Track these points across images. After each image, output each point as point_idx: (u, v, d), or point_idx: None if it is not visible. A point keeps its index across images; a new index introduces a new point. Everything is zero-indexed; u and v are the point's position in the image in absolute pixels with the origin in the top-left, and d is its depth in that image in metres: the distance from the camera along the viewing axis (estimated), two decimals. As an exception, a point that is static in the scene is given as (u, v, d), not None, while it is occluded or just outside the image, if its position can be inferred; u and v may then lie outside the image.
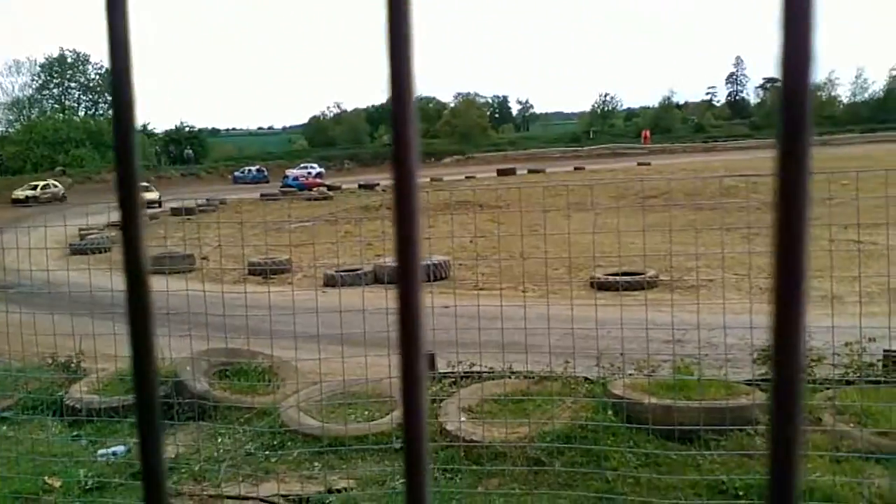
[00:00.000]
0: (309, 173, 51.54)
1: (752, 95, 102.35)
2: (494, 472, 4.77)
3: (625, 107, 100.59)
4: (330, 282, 15.02)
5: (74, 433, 6.15)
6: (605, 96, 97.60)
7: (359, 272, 15.46)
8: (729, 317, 7.61)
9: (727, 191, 27.88)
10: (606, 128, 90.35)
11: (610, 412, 5.34)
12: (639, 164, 54.67)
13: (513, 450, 4.94)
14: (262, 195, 40.25)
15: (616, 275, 13.34)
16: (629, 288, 12.77)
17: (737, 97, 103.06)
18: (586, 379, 6.17)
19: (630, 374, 6.05)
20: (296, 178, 48.95)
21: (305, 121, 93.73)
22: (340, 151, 73.93)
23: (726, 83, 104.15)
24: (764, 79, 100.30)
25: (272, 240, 21.19)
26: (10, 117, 66.31)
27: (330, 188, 44.69)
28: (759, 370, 6.38)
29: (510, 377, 6.25)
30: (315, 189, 43.51)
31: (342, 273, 15.40)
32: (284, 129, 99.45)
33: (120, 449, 5.56)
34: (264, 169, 57.33)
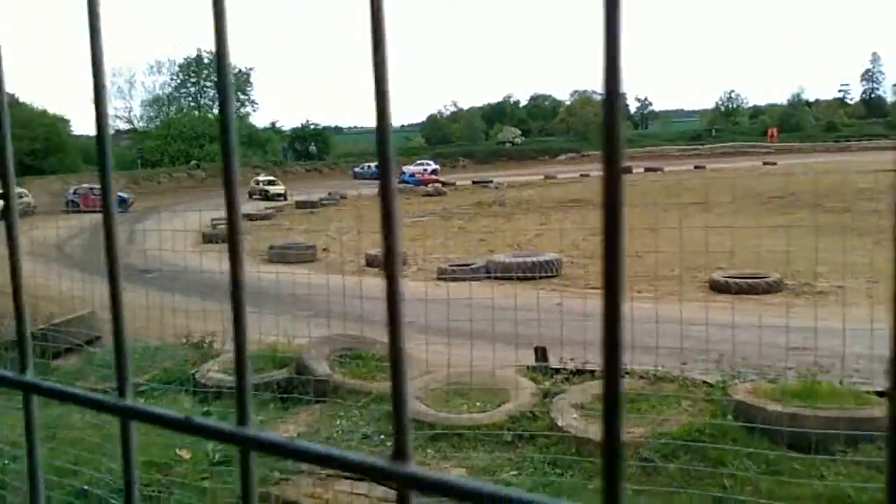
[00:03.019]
0: (425, 170, 52.35)
1: (888, 93, 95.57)
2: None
3: (750, 104, 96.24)
4: (443, 274, 15.26)
5: (205, 409, 6.56)
6: (730, 93, 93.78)
7: (472, 266, 15.62)
8: (858, 325, 7.19)
9: (860, 193, 26.22)
10: (730, 126, 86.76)
11: (730, 416, 5.19)
12: (764, 163, 52.26)
13: (626, 448, 4.87)
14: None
15: (736, 277, 12.83)
16: (749, 291, 12.28)
17: (872, 95, 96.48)
18: (705, 382, 6.01)
19: (752, 380, 5.84)
20: (412, 175, 49.84)
21: (423, 119, 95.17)
22: (456, 149, 74.65)
23: (861, 80, 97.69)
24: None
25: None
26: (151, 114, 70.99)
27: (445, 184, 45.26)
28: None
29: (625, 376, 6.17)
30: (430, 185, 44.15)
31: (455, 266, 15.62)
32: (402, 126, 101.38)
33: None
34: (382, 165, 58.69)
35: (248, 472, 0.54)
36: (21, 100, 52.75)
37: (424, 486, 0.43)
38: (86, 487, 4.54)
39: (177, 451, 5.37)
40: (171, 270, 11.96)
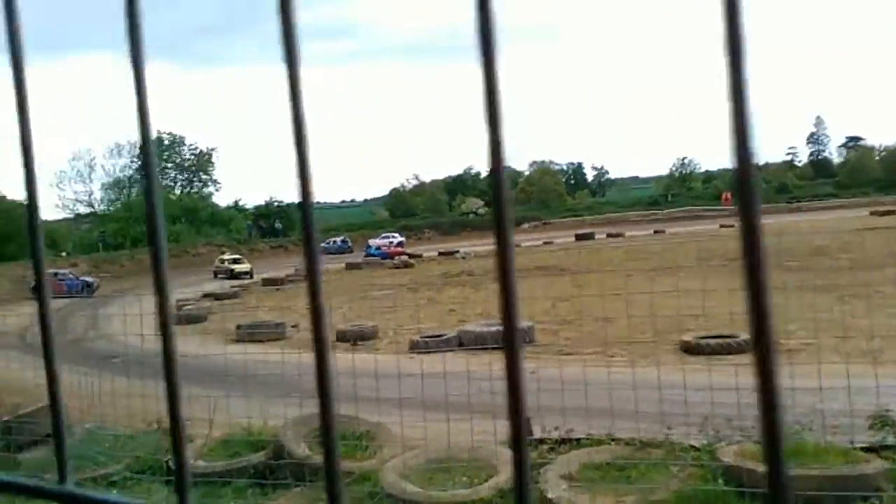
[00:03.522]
0: (391, 242, 52.51)
1: (834, 154, 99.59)
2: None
3: (703, 169, 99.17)
4: (415, 347, 15.12)
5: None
6: (683, 160, 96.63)
7: (444, 337, 15.52)
8: (831, 381, 7.26)
9: (818, 251, 26.93)
10: (685, 191, 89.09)
11: (720, 480, 5.14)
12: (721, 225, 53.46)
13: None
14: (347, 264, 41.32)
15: (708, 338, 12.94)
16: (722, 351, 12.37)
17: (819, 157, 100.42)
18: (691, 446, 5.97)
19: (738, 441, 5.82)
20: (378, 248, 49.95)
21: (386, 192, 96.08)
22: (420, 221, 75.24)
23: (807, 143, 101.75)
24: (847, 137, 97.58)
25: (358, 307, 21.61)
26: (112, 196, 70.48)
27: (411, 256, 45.35)
28: (875, 436, 6.05)
29: (610, 443, 6.11)
30: (397, 258, 44.21)
31: (427, 338, 15.49)
32: (366, 200, 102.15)
33: (226, 513, 5.67)
34: (348, 239, 58.82)
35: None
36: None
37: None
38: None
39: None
40: (136, 355, 11.70)
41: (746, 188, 0.45)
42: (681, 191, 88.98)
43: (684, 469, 5.41)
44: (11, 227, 49.60)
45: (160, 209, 0.61)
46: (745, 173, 0.45)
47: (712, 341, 12.70)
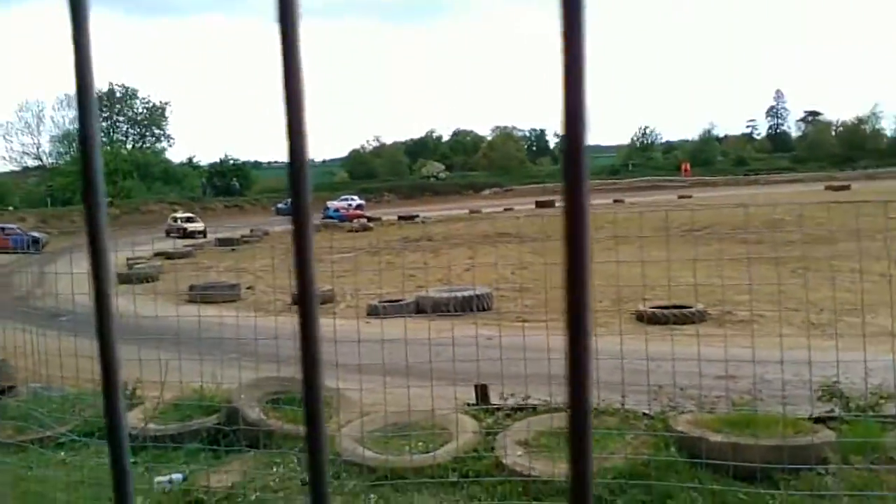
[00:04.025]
0: (350, 205, 52.10)
1: (793, 128, 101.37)
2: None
3: (664, 140, 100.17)
4: (373, 312, 15.05)
5: (132, 460, 6.18)
6: (644, 129, 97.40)
7: (401, 302, 15.48)
8: (781, 352, 7.41)
9: (773, 224, 27.46)
10: (645, 161, 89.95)
11: (673, 449, 5.21)
12: (680, 196, 54.22)
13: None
14: (303, 226, 40.70)
15: (664, 308, 13.12)
16: (677, 321, 12.56)
17: (777, 130, 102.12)
18: (645, 414, 6.04)
19: (690, 410, 5.90)
20: (337, 210, 49.52)
21: (346, 154, 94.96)
22: (380, 184, 74.69)
23: (767, 116, 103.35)
24: (805, 112, 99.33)
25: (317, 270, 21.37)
26: (61, 150, 68.39)
27: (370, 219, 45.05)
28: (822, 407, 6.19)
29: (567, 410, 6.14)
30: (355, 220, 43.90)
31: (385, 303, 15.42)
32: (325, 161, 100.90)
33: (177, 476, 5.57)
34: (306, 200, 58.18)
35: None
36: None
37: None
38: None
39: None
40: (84, 314, 11.41)
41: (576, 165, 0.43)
42: (642, 160, 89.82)
43: (638, 437, 5.47)
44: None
45: (98, 163, 0.53)
46: (575, 152, 0.44)
47: (668, 311, 12.88)
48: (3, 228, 36.81)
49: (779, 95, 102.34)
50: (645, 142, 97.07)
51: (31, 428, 7.02)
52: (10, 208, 53.40)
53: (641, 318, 13.05)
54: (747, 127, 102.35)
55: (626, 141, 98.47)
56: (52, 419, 7.00)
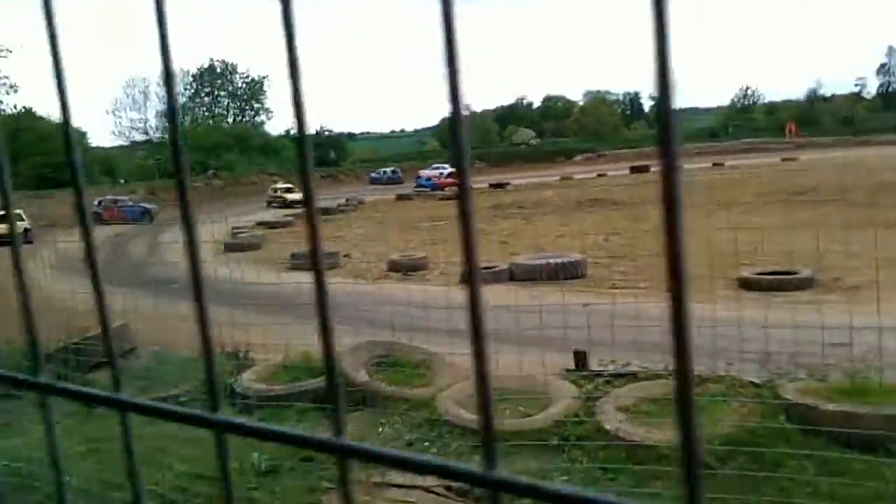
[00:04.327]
0: (441, 174, 52.27)
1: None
2: (658, 474, 4.66)
3: (766, 100, 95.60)
4: (466, 279, 15.17)
5: (248, 417, 6.54)
6: (746, 89, 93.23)
7: (495, 269, 15.53)
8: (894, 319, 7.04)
9: (884, 186, 25.90)
10: (747, 122, 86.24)
11: (782, 417, 5.09)
12: (783, 159, 51.84)
13: (677, 452, 4.79)
14: (397, 195, 41.44)
15: (767, 274, 12.66)
16: (780, 288, 12.10)
17: (889, 89, 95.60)
18: (752, 382, 5.90)
19: (800, 378, 5.73)
20: (428, 179, 49.85)
21: (436, 122, 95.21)
22: (471, 151, 74.60)
23: (877, 74, 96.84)
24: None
25: (409, 238, 21.73)
26: (166, 125, 71.40)
27: (461, 188, 45.11)
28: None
29: (668, 377, 6.07)
30: (447, 188, 44.09)
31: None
32: (416, 131, 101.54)
33: (289, 434, 5.84)
34: (398, 170, 58.85)
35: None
36: (39, 114, 53.26)
37: (516, 490, 0.46)
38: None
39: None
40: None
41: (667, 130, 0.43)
42: (742, 122, 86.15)
43: (745, 405, 5.36)
44: (65, 156, 50.84)
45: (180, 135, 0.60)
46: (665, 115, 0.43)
47: (770, 277, 12.42)
48: (115, 201, 38.91)
49: (890, 52, 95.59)
50: (746, 102, 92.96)
51: (152, 388, 7.51)
52: (121, 181, 56.36)
53: (745, 284, 12.64)
54: (856, 85, 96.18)
55: (726, 102, 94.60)
56: (172, 379, 7.46)
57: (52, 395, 0.73)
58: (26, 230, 23.37)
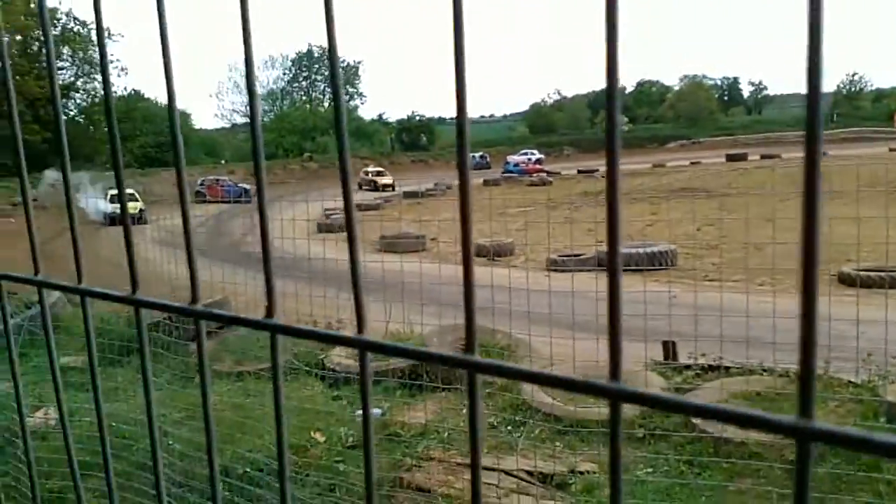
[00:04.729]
0: (529, 159, 51.97)
1: None
2: (747, 471, 4.55)
3: (874, 87, 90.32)
4: (553, 266, 15.08)
5: (335, 394, 6.75)
6: (853, 75, 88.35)
7: (581, 257, 15.38)
8: None
9: None
10: (853, 110, 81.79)
11: (883, 419, 4.87)
12: (891, 149, 48.92)
13: (768, 449, 4.68)
14: (485, 181, 41.50)
15: (868, 270, 12.05)
16: (882, 285, 11.50)
17: None
18: (850, 382, 5.67)
19: (903, 380, 5.47)
20: (517, 165, 49.67)
21: (526, 108, 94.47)
22: (560, 138, 73.81)
23: None
24: None
25: (496, 224, 21.75)
26: (265, 108, 73.75)
27: (549, 174, 44.79)
28: None
29: (762, 373, 5.91)
30: (535, 175, 43.82)
31: (565, 257, 15.41)
32: (505, 116, 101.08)
33: (376, 412, 6.02)
34: (487, 155, 58.82)
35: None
36: (146, 95, 55.86)
37: (829, 440, 0.44)
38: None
39: (312, 433, 5.54)
40: (290, 258, 12.39)
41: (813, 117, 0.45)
42: (848, 109, 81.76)
43: (843, 404, 5.16)
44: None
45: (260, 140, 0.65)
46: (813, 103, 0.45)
47: (873, 273, 11.83)
48: (217, 180, 40.55)
49: None
50: (853, 89, 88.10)
51: (248, 360, 7.84)
52: (223, 161, 58.59)
53: (844, 279, 12.08)
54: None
55: (831, 88, 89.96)
56: (267, 353, 7.75)
57: (207, 319, 0.82)
58: (141, 210, 24.08)
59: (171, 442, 5.17)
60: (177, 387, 6.77)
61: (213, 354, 8.07)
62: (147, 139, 49.22)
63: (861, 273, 12.11)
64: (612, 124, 0.50)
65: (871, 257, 12.47)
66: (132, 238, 0.95)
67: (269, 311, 0.75)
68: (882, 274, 11.90)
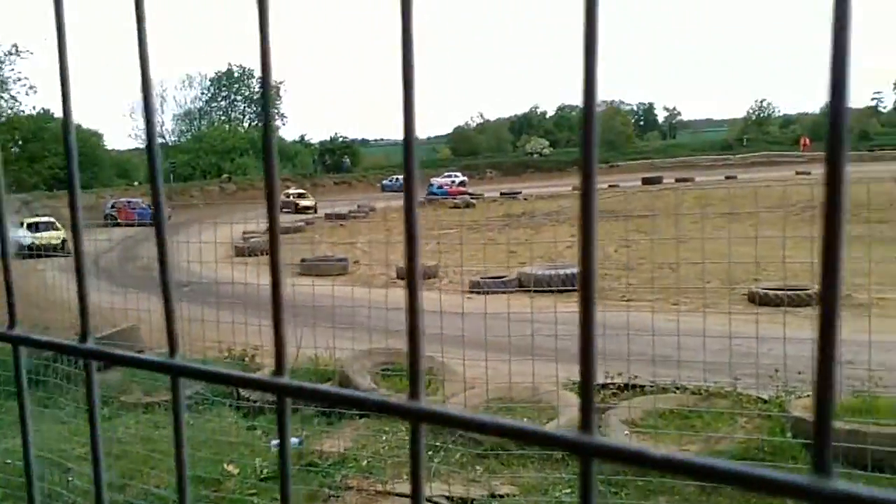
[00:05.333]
0: (452, 182, 52.40)
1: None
2: (663, 489, 4.62)
3: (781, 113, 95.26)
4: (476, 287, 15.16)
5: (249, 424, 6.54)
6: (761, 102, 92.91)
7: (503, 279, 15.52)
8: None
9: (891, 202, 25.64)
10: (761, 135, 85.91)
11: (789, 434, 5.04)
12: (797, 172, 51.54)
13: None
14: (408, 202, 41.41)
15: (775, 289, 12.58)
16: (791, 304, 12.01)
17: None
18: (758, 398, 5.86)
19: (807, 395, 5.68)
20: (440, 187, 49.99)
21: (449, 130, 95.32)
22: (483, 160, 74.65)
23: (894, 89, 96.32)
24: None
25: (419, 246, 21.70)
26: (182, 128, 72.03)
27: (472, 196, 45.21)
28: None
29: (675, 391, 6.04)
30: (458, 197, 44.15)
31: (487, 279, 15.51)
32: (429, 138, 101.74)
33: (293, 441, 5.85)
34: (410, 177, 58.88)
35: None
36: (56, 115, 53.73)
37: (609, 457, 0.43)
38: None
39: (224, 466, 5.34)
40: (206, 283, 12.01)
41: (837, 135, 0.42)
42: (757, 135, 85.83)
43: (751, 420, 5.32)
44: (84, 156, 51.25)
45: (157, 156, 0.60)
46: (837, 118, 0.42)
47: (781, 293, 12.35)
48: (129, 202, 39.21)
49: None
50: (761, 115, 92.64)
51: (157, 391, 7.54)
52: (136, 183, 56.76)
53: (753, 299, 12.58)
54: (872, 100, 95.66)
55: (740, 114, 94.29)
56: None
57: (98, 360, 0.72)
58: (64, 241, 22.02)
59: (71, 478, 4.89)
60: (81, 421, 6.43)
61: (120, 385, 7.72)
62: (56, 160, 47.26)
63: (768, 292, 12.64)
64: (588, 147, 0.47)
65: (777, 276, 13.02)
66: (10, 266, 0.84)
67: (172, 350, 0.66)
68: (789, 293, 12.43)
